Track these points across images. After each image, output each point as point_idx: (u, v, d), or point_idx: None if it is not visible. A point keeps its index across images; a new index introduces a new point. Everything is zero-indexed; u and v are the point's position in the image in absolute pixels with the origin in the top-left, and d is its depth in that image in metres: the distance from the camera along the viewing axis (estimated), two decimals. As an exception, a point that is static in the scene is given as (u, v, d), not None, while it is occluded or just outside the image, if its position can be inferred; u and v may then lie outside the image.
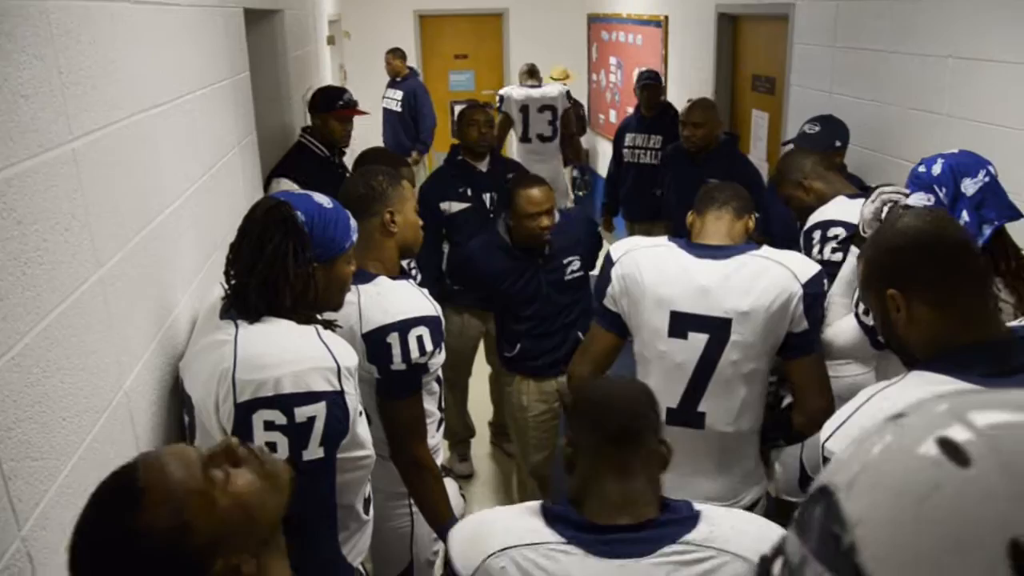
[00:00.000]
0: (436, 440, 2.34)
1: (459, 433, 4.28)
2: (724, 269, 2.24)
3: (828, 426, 1.42)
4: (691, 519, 1.40)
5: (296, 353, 1.58)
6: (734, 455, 2.33)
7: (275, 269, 1.65)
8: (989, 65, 2.83)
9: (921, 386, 1.33)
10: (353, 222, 1.82)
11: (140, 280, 1.71)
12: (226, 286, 1.70)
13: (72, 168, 1.39)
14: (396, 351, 2.03)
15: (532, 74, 6.83)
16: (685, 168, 4.43)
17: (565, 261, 3.18)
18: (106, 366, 1.48)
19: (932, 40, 3.14)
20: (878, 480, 0.55)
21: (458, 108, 8.08)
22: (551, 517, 1.42)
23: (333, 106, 3.85)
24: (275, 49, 3.96)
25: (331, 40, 6.79)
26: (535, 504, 1.47)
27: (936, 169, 2.11)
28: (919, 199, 2.11)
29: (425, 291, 2.22)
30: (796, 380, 2.24)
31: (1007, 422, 0.55)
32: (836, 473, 0.59)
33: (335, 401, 1.58)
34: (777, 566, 0.63)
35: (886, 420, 0.60)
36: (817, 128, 3.31)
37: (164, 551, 0.91)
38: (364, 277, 2.11)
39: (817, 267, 2.24)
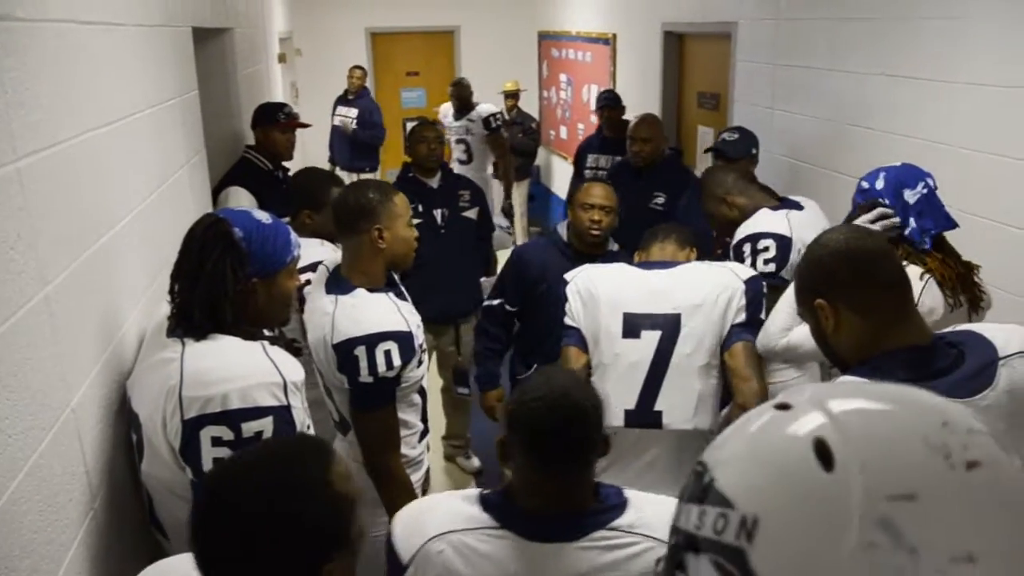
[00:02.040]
0: (418, 451, 2.35)
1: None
2: (672, 273, 2.45)
3: None
4: (620, 506, 1.48)
5: (243, 368, 1.59)
6: (694, 455, 2.39)
7: (215, 286, 1.66)
8: (918, 83, 2.95)
9: None
10: (294, 236, 1.83)
11: (87, 298, 1.71)
12: (171, 304, 1.71)
13: (17, 187, 1.39)
14: (363, 364, 2.07)
15: (460, 96, 6.88)
16: (631, 182, 4.51)
17: None
18: (52, 384, 1.48)
19: (865, 59, 3.27)
20: (758, 468, 0.65)
21: (411, 126, 8.18)
22: (487, 504, 1.49)
23: (274, 119, 3.86)
24: (225, 67, 3.96)
25: (282, 58, 6.79)
26: (473, 492, 1.54)
27: (879, 183, 2.21)
28: (862, 210, 2.20)
29: (405, 306, 2.25)
30: (733, 365, 2.35)
31: (871, 415, 0.64)
32: (718, 450, 0.70)
33: (282, 416, 1.59)
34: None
35: (771, 406, 0.68)
36: (736, 136, 3.55)
37: (341, 512, 1.08)
38: (344, 288, 2.17)
39: (755, 271, 2.45)
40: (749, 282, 2.39)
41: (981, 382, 1.38)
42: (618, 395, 2.39)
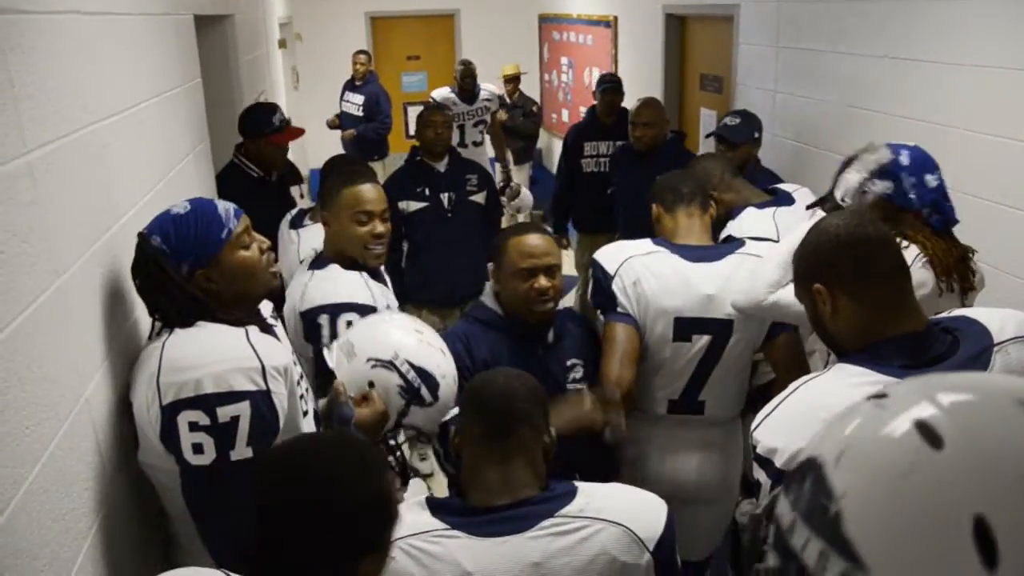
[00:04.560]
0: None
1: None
2: (722, 272, 2.32)
3: (758, 416, 1.50)
4: (568, 494, 1.52)
5: (218, 354, 1.58)
6: (727, 440, 2.50)
7: (164, 295, 1.67)
8: (922, 64, 2.95)
9: (843, 378, 1.41)
10: (224, 209, 1.76)
11: (98, 288, 1.73)
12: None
13: (28, 180, 1.40)
14: (325, 332, 2.16)
15: (466, 77, 6.88)
16: (634, 167, 4.51)
17: (569, 363, 2.33)
18: (67, 375, 1.49)
19: (869, 40, 3.26)
20: (862, 458, 0.64)
21: (411, 109, 8.17)
22: (434, 507, 1.54)
23: (262, 131, 3.43)
24: (226, 54, 3.96)
25: (283, 43, 6.77)
26: (421, 499, 1.58)
27: (903, 159, 2.13)
28: (875, 185, 2.13)
29: (378, 286, 2.33)
30: (777, 357, 2.36)
31: (973, 403, 0.64)
32: (823, 446, 0.68)
33: (260, 400, 1.57)
34: (746, 504, 0.73)
35: (868, 399, 0.68)
36: (738, 120, 3.51)
37: (389, 508, 1.18)
38: (321, 264, 2.31)
39: None
40: None
41: (976, 368, 1.38)
42: (663, 387, 2.42)
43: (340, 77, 7.93)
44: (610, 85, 5.25)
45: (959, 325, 1.48)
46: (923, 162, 2.15)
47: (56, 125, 1.57)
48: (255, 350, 1.61)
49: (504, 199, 5.66)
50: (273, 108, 3.62)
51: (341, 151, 6.72)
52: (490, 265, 2.29)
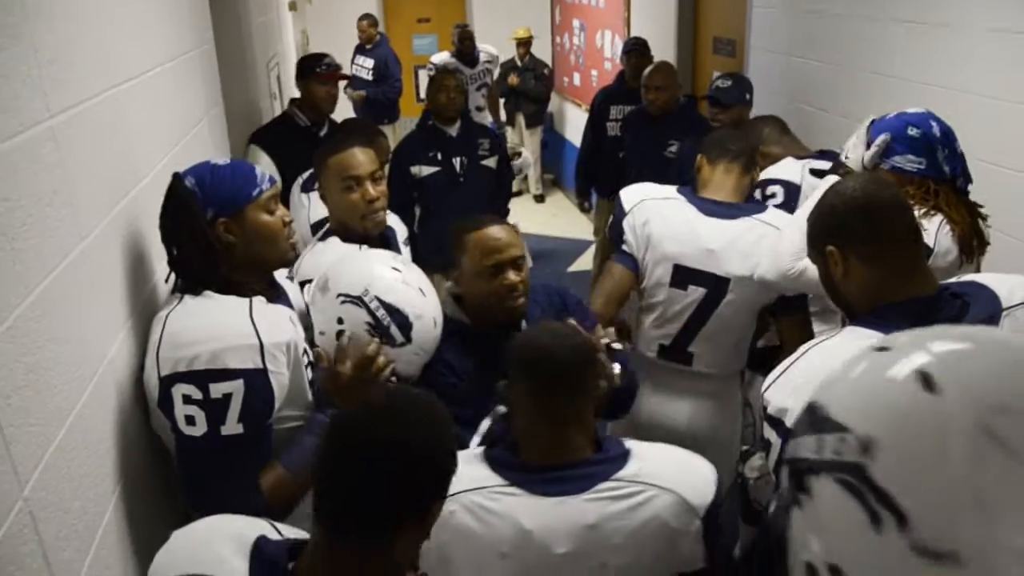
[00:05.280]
0: None
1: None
2: (730, 232, 2.36)
3: (769, 377, 1.52)
4: (622, 456, 1.53)
5: (217, 330, 1.59)
6: (720, 393, 2.54)
7: (180, 236, 1.70)
8: (938, 29, 2.92)
9: (853, 341, 1.43)
10: (262, 172, 1.80)
11: (120, 251, 1.76)
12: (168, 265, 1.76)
13: (52, 145, 1.43)
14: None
15: (464, 40, 6.84)
16: (646, 130, 4.50)
17: None
18: (92, 335, 1.53)
19: (885, 4, 3.23)
20: (869, 398, 0.76)
21: (422, 72, 8.13)
22: (493, 462, 1.54)
23: (312, 72, 3.79)
24: (238, 17, 3.95)
25: (293, 6, 6.73)
26: (478, 451, 1.60)
27: (935, 130, 2.11)
28: (911, 162, 2.11)
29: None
30: (786, 335, 2.42)
31: (963, 351, 0.75)
32: (826, 389, 0.81)
33: (256, 379, 1.58)
34: (757, 459, 0.80)
35: (871, 348, 0.81)
36: (729, 83, 3.60)
37: (452, 464, 1.19)
38: (325, 236, 2.33)
39: None
40: None
41: None
42: (656, 328, 2.50)
43: (350, 40, 7.89)
44: (634, 48, 5.23)
45: (969, 290, 1.49)
46: (948, 129, 2.14)
47: (78, 90, 1.59)
48: (255, 327, 1.61)
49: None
50: (324, 55, 3.93)
51: (353, 115, 6.72)
52: (448, 285, 2.09)
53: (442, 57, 6.91)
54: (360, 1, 8.81)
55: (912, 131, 2.13)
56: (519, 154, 5.26)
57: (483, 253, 1.97)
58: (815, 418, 0.78)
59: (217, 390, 1.56)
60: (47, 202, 1.39)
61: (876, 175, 1.81)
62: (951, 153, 2.12)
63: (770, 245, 2.24)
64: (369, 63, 7.63)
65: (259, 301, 1.70)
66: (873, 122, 2.22)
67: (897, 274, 1.49)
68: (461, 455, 1.59)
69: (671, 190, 2.50)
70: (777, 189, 2.67)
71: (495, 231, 2.00)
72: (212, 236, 1.70)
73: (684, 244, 2.34)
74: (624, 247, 2.48)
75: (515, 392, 1.58)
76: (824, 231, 1.57)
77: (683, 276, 2.39)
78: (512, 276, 1.96)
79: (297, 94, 3.87)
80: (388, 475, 1.09)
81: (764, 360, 2.57)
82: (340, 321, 1.84)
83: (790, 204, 2.63)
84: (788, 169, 2.72)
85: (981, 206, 2.17)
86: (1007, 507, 0.65)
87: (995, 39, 2.66)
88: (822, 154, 2.86)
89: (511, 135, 7.49)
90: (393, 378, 1.85)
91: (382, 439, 1.11)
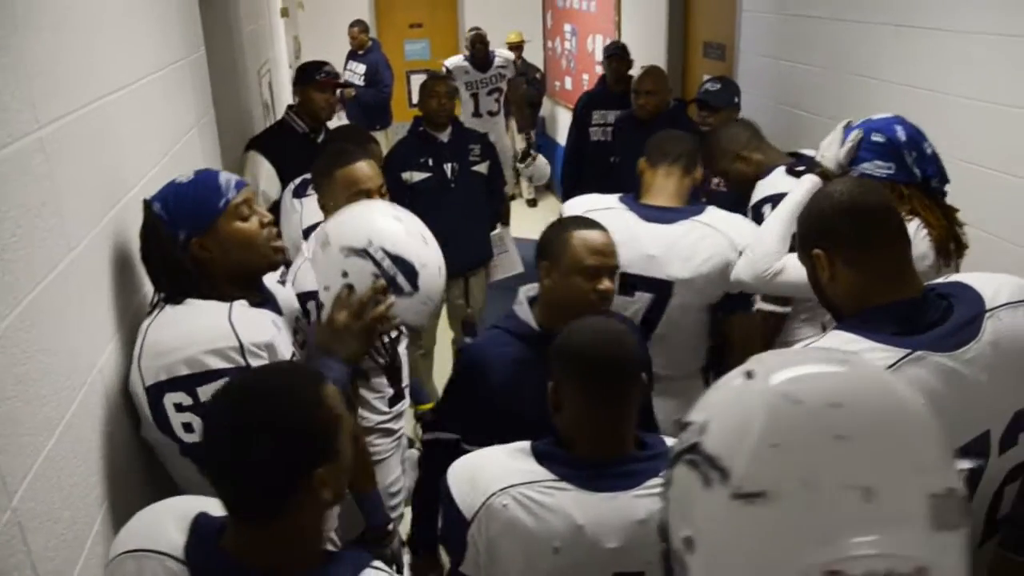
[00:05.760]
0: (384, 417, 2.40)
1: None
2: (670, 236, 2.41)
3: None
4: (667, 453, 1.52)
5: (194, 336, 1.59)
6: (677, 396, 2.52)
7: (157, 264, 1.71)
8: (922, 32, 2.95)
9: (837, 344, 1.44)
10: (226, 179, 1.77)
11: (110, 261, 1.77)
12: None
13: (41, 156, 1.43)
14: (314, 319, 2.07)
15: (477, 43, 6.79)
16: (636, 134, 4.50)
17: None
18: (81, 346, 1.53)
19: (871, 8, 3.25)
20: (711, 394, 1.00)
21: (414, 78, 8.14)
22: (541, 456, 1.54)
23: (312, 79, 3.81)
24: (228, 25, 3.96)
25: (284, 12, 6.74)
26: (524, 444, 1.58)
27: (900, 135, 2.15)
28: (879, 168, 2.14)
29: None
30: (734, 334, 2.47)
31: (785, 357, 1.01)
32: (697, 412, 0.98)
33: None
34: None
35: (740, 373, 0.97)
36: (719, 86, 3.62)
37: (331, 424, 1.18)
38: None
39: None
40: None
41: (967, 335, 1.41)
42: None
43: (342, 46, 7.90)
44: (615, 52, 5.24)
45: (954, 291, 1.50)
46: (915, 132, 2.17)
47: (66, 100, 1.60)
48: (234, 328, 1.61)
49: (521, 166, 5.66)
50: (324, 63, 3.97)
51: (346, 121, 6.71)
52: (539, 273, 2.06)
53: (455, 61, 6.87)
54: (352, 7, 8.84)
55: (876, 137, 2.17)
56: (534, 158, 5.23)
57: (589, 252, 2.00)
58: (681, 424, 0.98)
59: (206, 392, 1.56)
60: (36, 213, 1.39)
61: (864, 180, 1.82)
62: (920, 155, 2.14)
63: (748, 248, 2.28)
64: (361, 69, 7.65)
65: (240, 304, 1.69)
66: (848, 124, 2.27)
67: (883, 277, 1.50)
68: (506, 448, 1.60)
69: (613, 199, 2.56)
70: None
71: (603, 236, 2.05)
72: (184, 261, 1.69)
73: (626, 251, 2.28)
74: None
75: (564, 387, 1.57)
76: (812, 234, 1.59)
77: (628, 282, 2.42)
78: (608, 283, 2.02)
79: (291, 100, 3.89)
80: (249, 454, 1.12)
81: (713, 358, 2.60)
82: (345, 275, 1.80)
83: None
84: (787, 181, 2.69)
85: (957, 210, 2.19)
86: (796, 450, 0.85)
87: (978, 42, 2.68)
88: (797, 157, 2.85)
89: (519, 142, 7.44)
90: (402, 328, 1.86)
91: (238, 420, 1.15)
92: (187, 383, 1.56)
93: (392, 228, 1.86)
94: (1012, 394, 1.43)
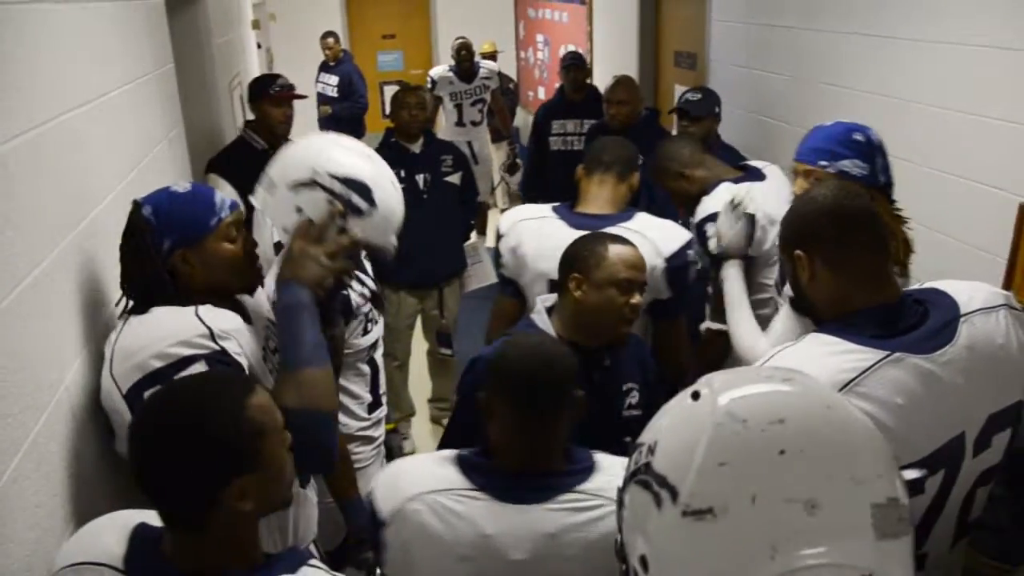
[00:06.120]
0: (363, 424, 2.39)
1: (401, 412, 4.35)
2: None
3: None
4: (587, 469, 1.56)
5: (162, 331, 1.58)
6: None
7: (134, 267, 1.68)
8: (890, 41, 2.99)
9: (816, 347, 1.45)
10: (220, 198, 1.76)
11: (76, 277, 1.75)
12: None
13: (2, 172, 1.42)
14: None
15: (462, 52, 6.79)
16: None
17: (625, 387, 2.17)
18: (47, 362, 1.51)
19: (839, 17, 3.29)
20: (659, 417, 1.02)
21: (387, 89, 8.14)
22: (464, 465, 1.57)
23: (266, 92, 3.75)
24: (198, 38, 3.93)
25: (256, 24, 6.71)
26: (452, 453, 1.61)
27: (875, 139, 2.18)
28: (857, 167, 2.15)
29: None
30: (659, 341, 2.47)
31: (728, 378, 0.99)
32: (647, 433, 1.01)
33: (215, 358, 1.56)
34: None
35: (687, 395, 0.99)
36: (699, 96, 3.60)
37: (253, 435, 1.17)
38: None
39: (683, 240, 2.42)
40: (671, 258, 2.37)
41: (943, 338, 1.43)
42: None
43: (315, 57, 7.89)
44: (572, 62, 5.25)
45: (930, 297, 1.52)
46: (880, 140, 2.20)
47: (29, 116, 1.58)
48: (202, 320, 1.60)
49: (506, 174, 5.65)
50: (276, 76, 3.93)
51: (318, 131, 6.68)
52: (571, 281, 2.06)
53: (440, 71, 6.87)
54: (325, 18, 8.83)
55: (857, 136, 2.18)
56: (519, 167, 5.24)
57: (625, 266, 2.04)
58: (633, 446, 1.01)
59: None
60: (-2, 230, 1.37)
61: (849, 184, 1.83)
62: (884, 162, 2.18)
63: (736, 347, 2.31)
64: (334, 80, 7.63)
65: (206, 306, 1.67)
66: (733, 202, 2.36)
67: (863, 281, 1.51)
68: (434, 455, 1.63)
69: (546, 208, 2.58)
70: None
71: (636, 252, 2.10)
72: (164, 270, 1.68)
73: (553, 260, 2.26)
74: (503, 270, 2.56)
75: (494, 400, 1.59)
76: (793, 236, 1.61)
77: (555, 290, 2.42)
78: (639, 297, 2.06)
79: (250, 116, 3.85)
80: (163, 463, 1.14)
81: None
82: (299, 210, 1.75)
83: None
84: (723, 199, 2.70)
85: (901, 209, 2.21)
86: (741, 466, 0.87)
87: (942, 51, 2.72)
88: (744, 170, 2.84)
89: (493, 152, 7.45)
90: (362, 250, 1.88)
91: (150, 430, 1.17)
92: (164, 375, 1.53)
93: (334, 153, 1.82)
94: (987, 397, 1.45)
